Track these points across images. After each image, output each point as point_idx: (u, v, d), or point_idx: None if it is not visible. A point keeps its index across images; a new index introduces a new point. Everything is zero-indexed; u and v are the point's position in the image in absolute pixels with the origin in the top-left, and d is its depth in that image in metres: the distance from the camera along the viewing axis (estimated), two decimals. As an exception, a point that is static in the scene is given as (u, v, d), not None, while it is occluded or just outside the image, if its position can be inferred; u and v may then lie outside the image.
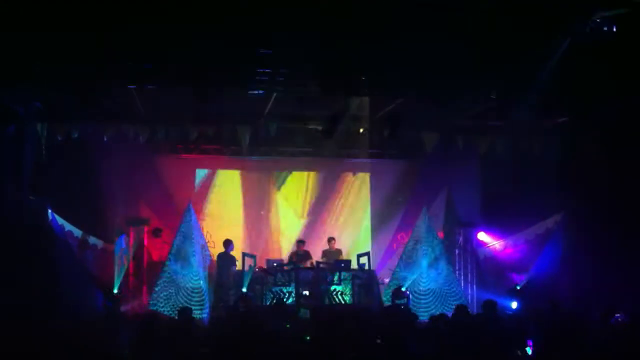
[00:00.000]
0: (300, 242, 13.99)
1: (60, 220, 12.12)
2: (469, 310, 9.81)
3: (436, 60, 9.15)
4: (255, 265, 12.72)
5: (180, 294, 12.10)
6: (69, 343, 7.28)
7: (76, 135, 12.56)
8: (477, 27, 8.31)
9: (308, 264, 13.28)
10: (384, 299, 12.94)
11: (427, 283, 13.12)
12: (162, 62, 9.42)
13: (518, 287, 12.68)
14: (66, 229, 12.32)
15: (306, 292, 12.30)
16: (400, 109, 11.36)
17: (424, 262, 13.16)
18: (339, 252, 13.98)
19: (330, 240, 14.02)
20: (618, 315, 9.76)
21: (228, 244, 12.96)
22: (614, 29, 7.98)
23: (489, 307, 9.38)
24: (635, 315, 9.09)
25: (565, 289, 12.43)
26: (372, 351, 7.60)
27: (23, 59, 8.74)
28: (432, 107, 11.84)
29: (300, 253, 13.71)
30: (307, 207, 15.23)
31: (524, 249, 13.83)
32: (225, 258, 12.83)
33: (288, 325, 8.77)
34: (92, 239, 12.85)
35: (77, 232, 12.58)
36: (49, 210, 11.84)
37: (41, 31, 8.13)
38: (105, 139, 12.72)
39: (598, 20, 7.96)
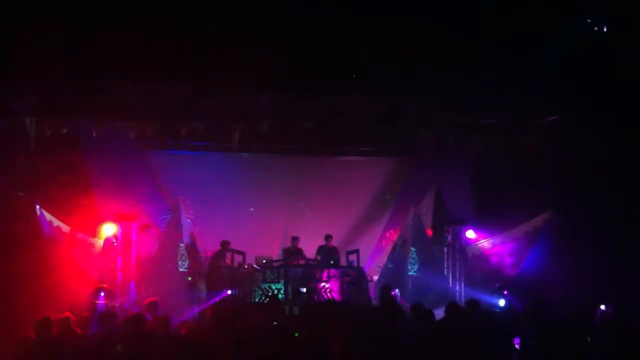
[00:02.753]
0: (294, 239, 13.77)
1: (48, 216, 12.06)
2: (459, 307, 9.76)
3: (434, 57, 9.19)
4: (244, 262, 12.72)
5: (170, 290, 12.08)
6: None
7: (66, 131, 12.51)
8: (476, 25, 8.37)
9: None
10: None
11: (415, 280, 13.18)
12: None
13: (505, 292, 12.66)
14: (54, 225, 12.25)
15: (303, 289, 12.24)
16: (393, 106, 11.39)
17: (413, 260, 13.21)
18: (335, 250, 13.79)
19: (328, 237, 13.81)
20: (604, 309, 9.90)
21: (225, 244, 12.93)
22: (605, 29, 8.11)
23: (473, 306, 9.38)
24: (621, 310, 9.24)
25: (553, 287, 12.53)
26: (363, 347, 7.63)
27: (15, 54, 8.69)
28: (427, 105, 11.89)
29: (292, 250, 13.62)
30: (297, 203, 15.21)
31: (513, 247, 13.90)
32: (219, 257, 12.84)
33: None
34: (81, 235, 12.78)
35: (66, 228, 12.51)
36: (37, 206, 11.78)
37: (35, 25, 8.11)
38: (94, 135, 12.67)
39: (591, 21, 8.06)
